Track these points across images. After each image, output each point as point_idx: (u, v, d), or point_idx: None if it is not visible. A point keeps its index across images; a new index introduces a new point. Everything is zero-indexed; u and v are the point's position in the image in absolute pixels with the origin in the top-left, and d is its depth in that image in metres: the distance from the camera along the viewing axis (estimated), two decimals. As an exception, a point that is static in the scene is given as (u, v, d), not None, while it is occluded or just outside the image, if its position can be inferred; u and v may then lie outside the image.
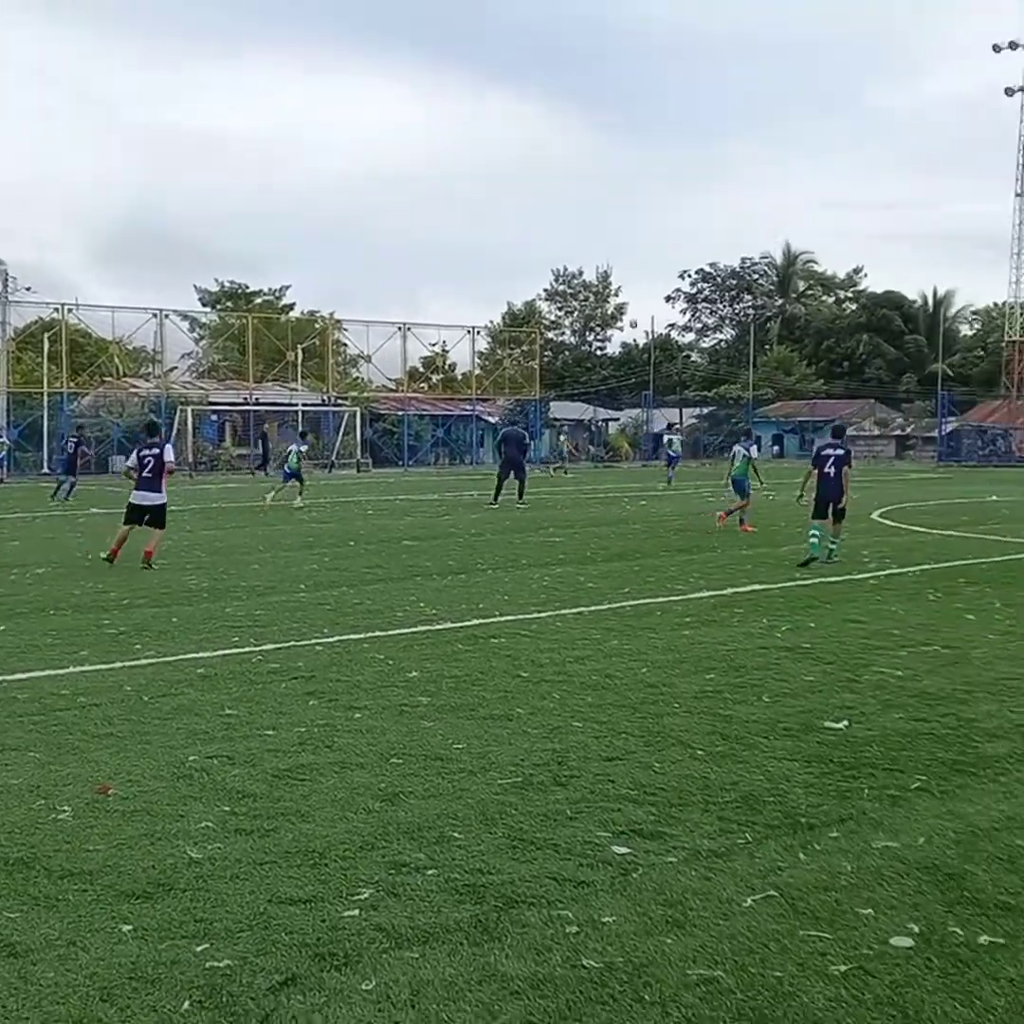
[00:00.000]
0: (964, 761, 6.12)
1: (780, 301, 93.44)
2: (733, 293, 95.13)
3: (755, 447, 21.99)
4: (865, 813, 5.29)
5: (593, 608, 11.53)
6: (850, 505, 16.25)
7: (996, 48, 66.83)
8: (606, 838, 4.97)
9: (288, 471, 28.33)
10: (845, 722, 6.91)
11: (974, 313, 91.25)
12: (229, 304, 73.28)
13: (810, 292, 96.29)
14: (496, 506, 26.75)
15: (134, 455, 15.56)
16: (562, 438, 57.19)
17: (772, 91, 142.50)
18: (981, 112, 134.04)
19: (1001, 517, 22.99)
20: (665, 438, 37.65)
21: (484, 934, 4.02)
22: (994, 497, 29.96)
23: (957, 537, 19.15)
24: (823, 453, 16.24)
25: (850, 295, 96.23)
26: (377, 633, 10.11)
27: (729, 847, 4.86)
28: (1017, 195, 66.70)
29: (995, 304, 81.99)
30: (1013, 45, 66.10)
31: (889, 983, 3.64)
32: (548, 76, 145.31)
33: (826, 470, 15.88)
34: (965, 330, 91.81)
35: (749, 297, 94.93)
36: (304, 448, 29.74)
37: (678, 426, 42.10)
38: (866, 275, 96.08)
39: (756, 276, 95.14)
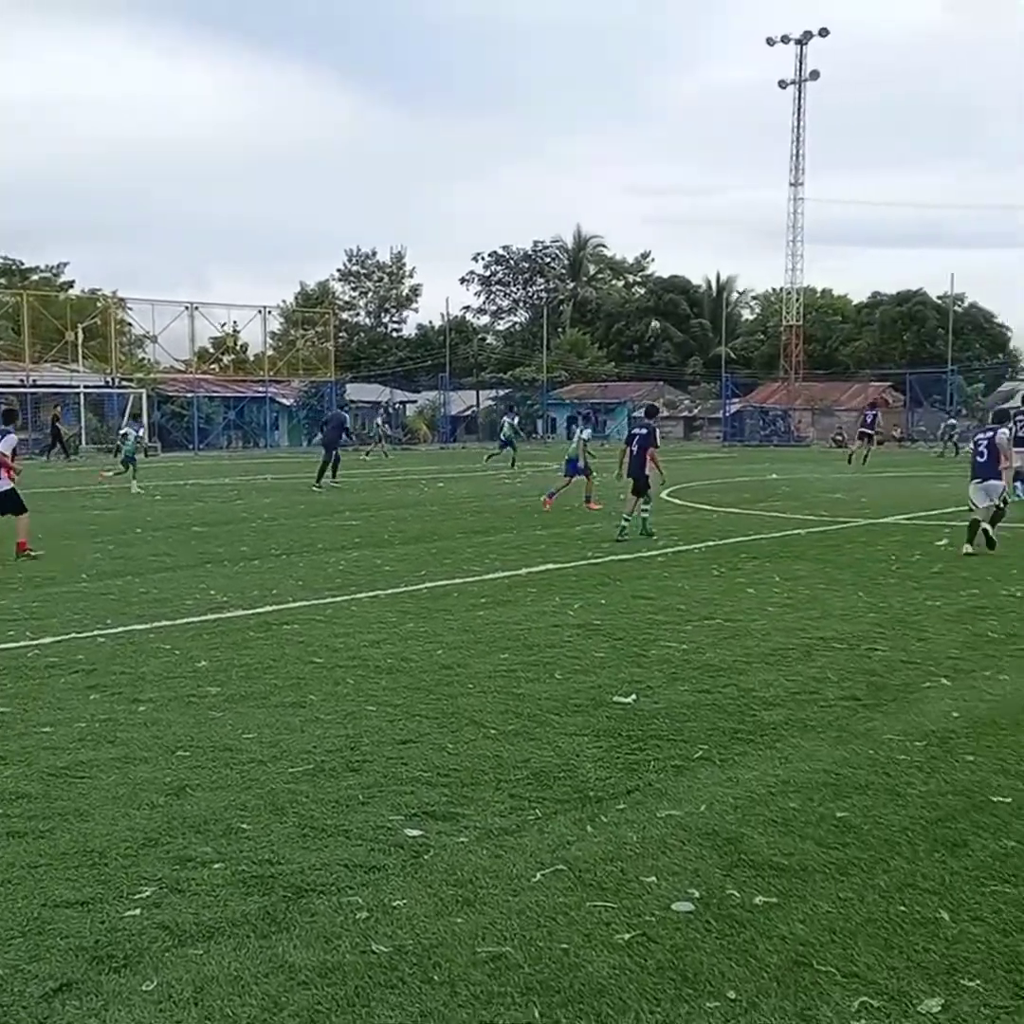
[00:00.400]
0: (743, 729, 6.37)
1: (572, 284, 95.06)
2: (526, 276, 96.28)
3: (589, 430, 23.47)
4: (651, 784, 5.44)
5: (389, 591, 11.48)
6: (659, 481, 17.39)
7: (769, 41, 69.55)
8: (398, 821, 4.96)
9: (127, 456, 27.92)
10: (633, 696, 7.09)
11: (754, 298, 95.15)
12: (2, 281, 69.53)
13: (601, 276, 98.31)
14: (320, 490, 26.43)
15: None
16: (379, 421, 56.48)
17: (562, 74, 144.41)
18: (763, 101, 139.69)
19: (781, 494, 24.05)
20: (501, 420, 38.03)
21: (272, 925, 3.95)
22: (774, 475, 31.33)
23: (739, 514, 19.93)
24: (631, 432, 17.41)
25: (639, 279, 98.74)
26: (164, 623, 9.80)
27: (520, 824, 4.92)
28: (791, 184, 69.67)
29: (773, 289, 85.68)
30: (785, 39, 68.90)
31: (670, 947, 3.75)
32: (339, 52, 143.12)
33: (631, 448, 16.75)
34: (747, 314, 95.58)
35: (542, 280, 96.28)
36: (141, 432, 29.39)
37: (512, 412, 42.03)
38: (654, 260, 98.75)
39: (548, 259, 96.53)
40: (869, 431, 39.29)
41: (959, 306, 76.85)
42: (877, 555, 13.92)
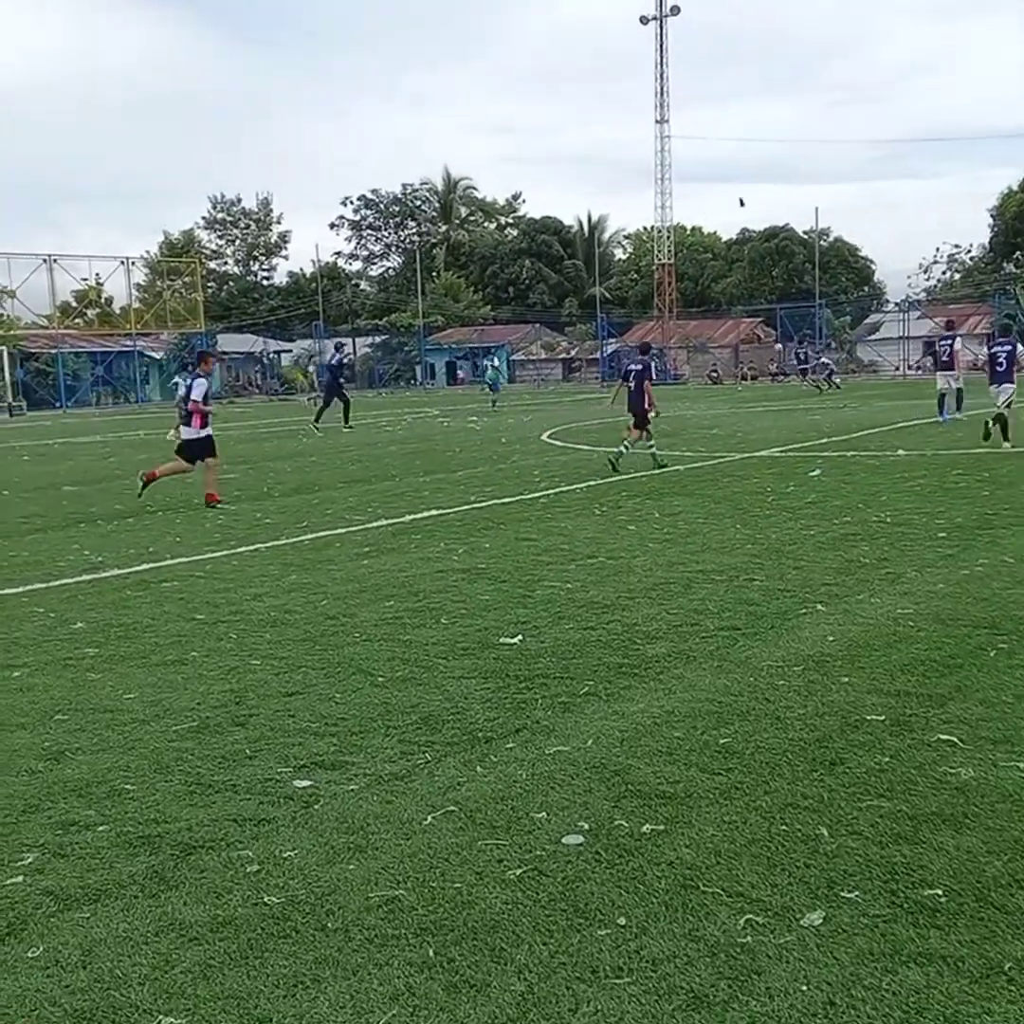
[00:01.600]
0: (628, 663, 6.46)
1: (444, 227, 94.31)
2: (397, 220, 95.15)
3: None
4: (538, 722, 5.49)
5: (270, 544, 11.33)
6: (653, 414, 18.15)
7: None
8: (287, 773, 4.92)
9: None
10: (519, 637, 7.13)
11: (627, 237, 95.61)
12: None
13: (472, 218, 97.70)
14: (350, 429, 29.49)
15: None
16: (310, 368, 54.59)
17: (421, 8, 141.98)
18: (628, 37, 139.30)
19: (659, 433, 24.33)
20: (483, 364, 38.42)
21: (161, 884, 3.89)
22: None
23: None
24: (627, 369, 17.98)
25: (511, 221, 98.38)
26: (37, 585, 9.52)
27: (410, 769, 4.92)
28: (657, 122, 69.85)
29: (645, 228, 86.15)
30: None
31: (561, 880, 3.81)
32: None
33: (629, 383, 17.54)
34: (620, 254, 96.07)
35: (413, 224, 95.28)
36: None
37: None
38: (525, 201, 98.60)
39: (419, 202, 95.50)
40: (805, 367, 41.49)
41: (824, 241, 78.35)
42: (753, 488, 14.21)
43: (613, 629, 7.29)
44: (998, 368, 19.10)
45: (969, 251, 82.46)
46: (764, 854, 3.94)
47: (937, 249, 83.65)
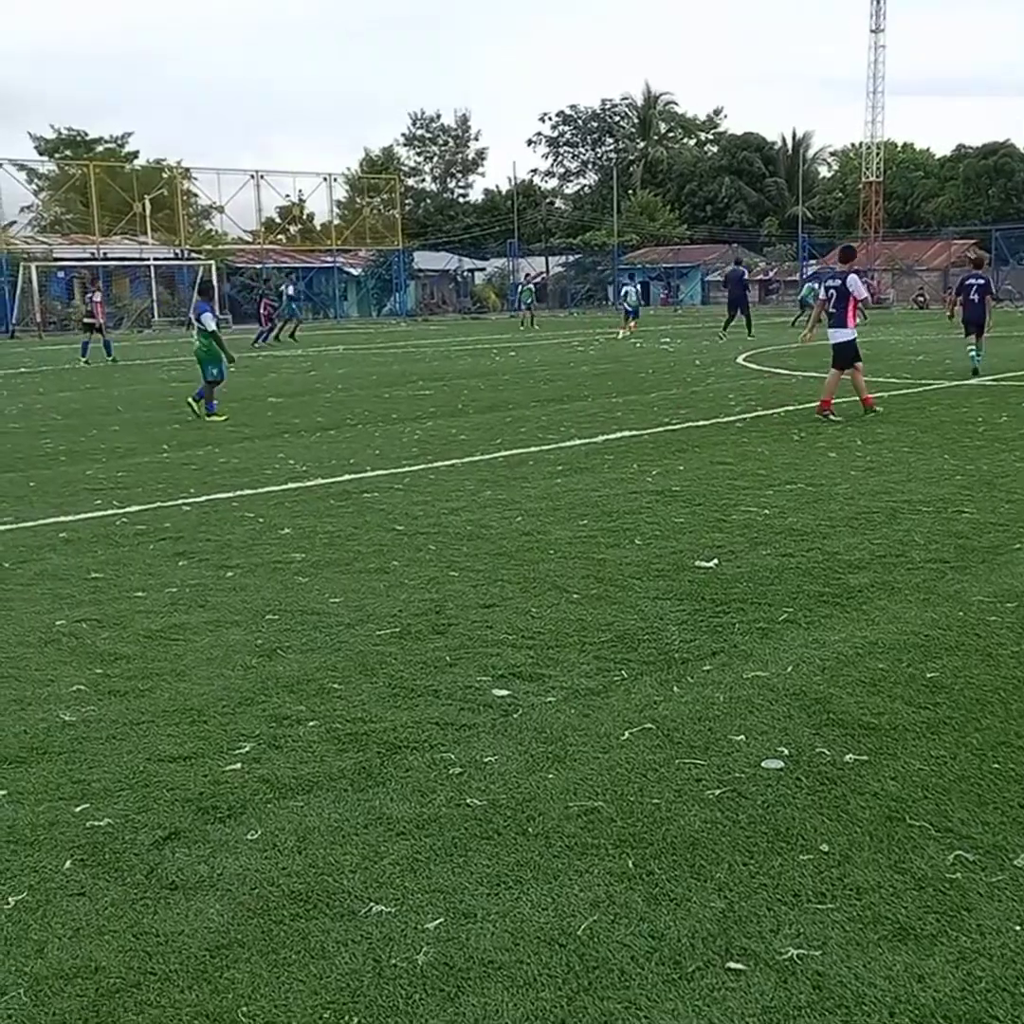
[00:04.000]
0: (829, 592, 6.32)
1: (642, 144, 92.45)
2: (595, 136, 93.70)
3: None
4: (736, 646, 5.44)
5: (466, 460, 11.49)
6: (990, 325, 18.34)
7: None
8: (486, 682, 5.02)
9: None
10: (715, 561, 7.06)
11: (832, 154, 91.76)
12: (68, 153, 69.25)
13: (671, 135, 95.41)
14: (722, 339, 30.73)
15: None
16: (528, 284, 54.35)
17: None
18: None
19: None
20: (622, 290, 38.39)
21: (368, 780, 4.05)
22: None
23: (819, 378, 19.51)
24: (966, 283, 18.42)
25: (711, 137, 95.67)
26: (246, 492, 9.93)
27: (606, 685, 4.96)
28: (871, 31, 66.42)
29: (852, 145, 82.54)
30: None
31: (761, 803, 3.78)
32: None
33: (970, 297, 18.00)
34: (824, 172, 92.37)
35: (611, 140, 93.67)
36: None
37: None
38: (726, 117, 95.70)
39: (617, 118, 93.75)
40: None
41: (1050, 157, 73.44)
42: (963, 417, 13.61)
43: (813, 557, 7.13)
44: None
45: None
46: (974, 791, 3.82)
47: None
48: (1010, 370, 19.70)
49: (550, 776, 4.04)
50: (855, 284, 13.81)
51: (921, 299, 58.85)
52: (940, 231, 69.88)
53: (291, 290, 38.22)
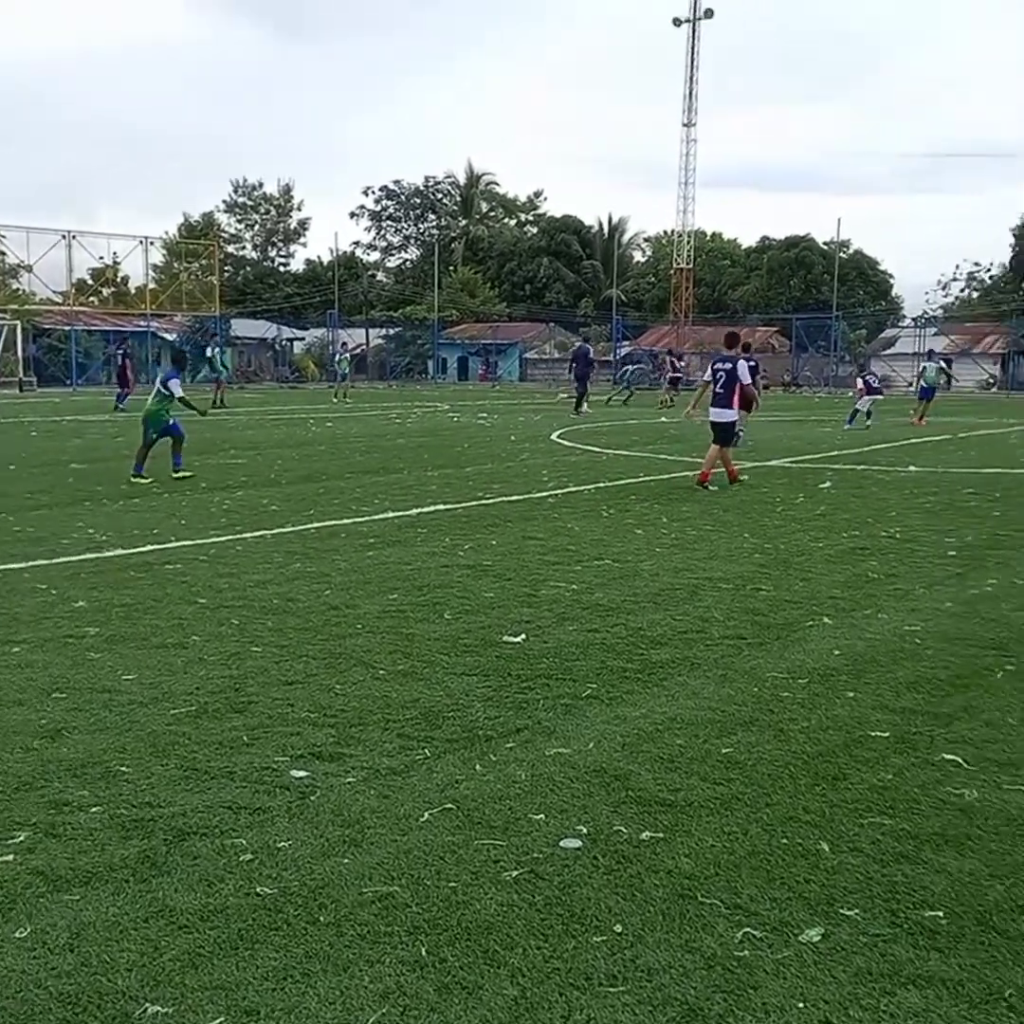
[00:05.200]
0: (631, 668, 6.41)
1: (464, 222, 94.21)
2: (418, 212, 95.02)
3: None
4: (540, 722, 5.45)
5: (276, 531, 11.30)
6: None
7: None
8: (284, 763, 4.88)
9: None
10: (523, 636, 7.08)
11: (646, 240, 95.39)
12: None
13: (493, 214, 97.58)
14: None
15: None
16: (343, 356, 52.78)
17: (445, 6, 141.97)
18: (655, 39, 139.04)
19: (670, 437, 24.31)
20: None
21: (152, 869, 3.85)
22: (664, 418, 31.64)
23: (629, 456, 20.07)
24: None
25: (531, 218, 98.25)
26: (40, 562, 9.49)
27: (408, 764, 4.88)
28: (684, 125, 69.64)
29: (665, 232, 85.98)
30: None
31: (558, 884, 3.76)
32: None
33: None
34: (638, 256, 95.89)
35: (434, 216, 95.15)
36: None
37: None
38: (546, 199, 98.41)
39: (440, 195, 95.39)
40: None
41: (845, 252, 78.22)
42: (763, 497, 14.16)
43: (617, 632, 7.23)
44: None
45: (989, 270, 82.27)
46: (764, 867, 3.89)
47: (957, 266, 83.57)
48: (808, 453, 20.66)
49: (346, 860, 3.93)
50: (743, 370, 14.99)
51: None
52: (746, 318, 73.21)
53: (215, 352, 37.67)
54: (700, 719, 5.50)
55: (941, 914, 3.56)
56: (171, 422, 15.90)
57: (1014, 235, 78.28)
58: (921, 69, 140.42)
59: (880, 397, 29.43)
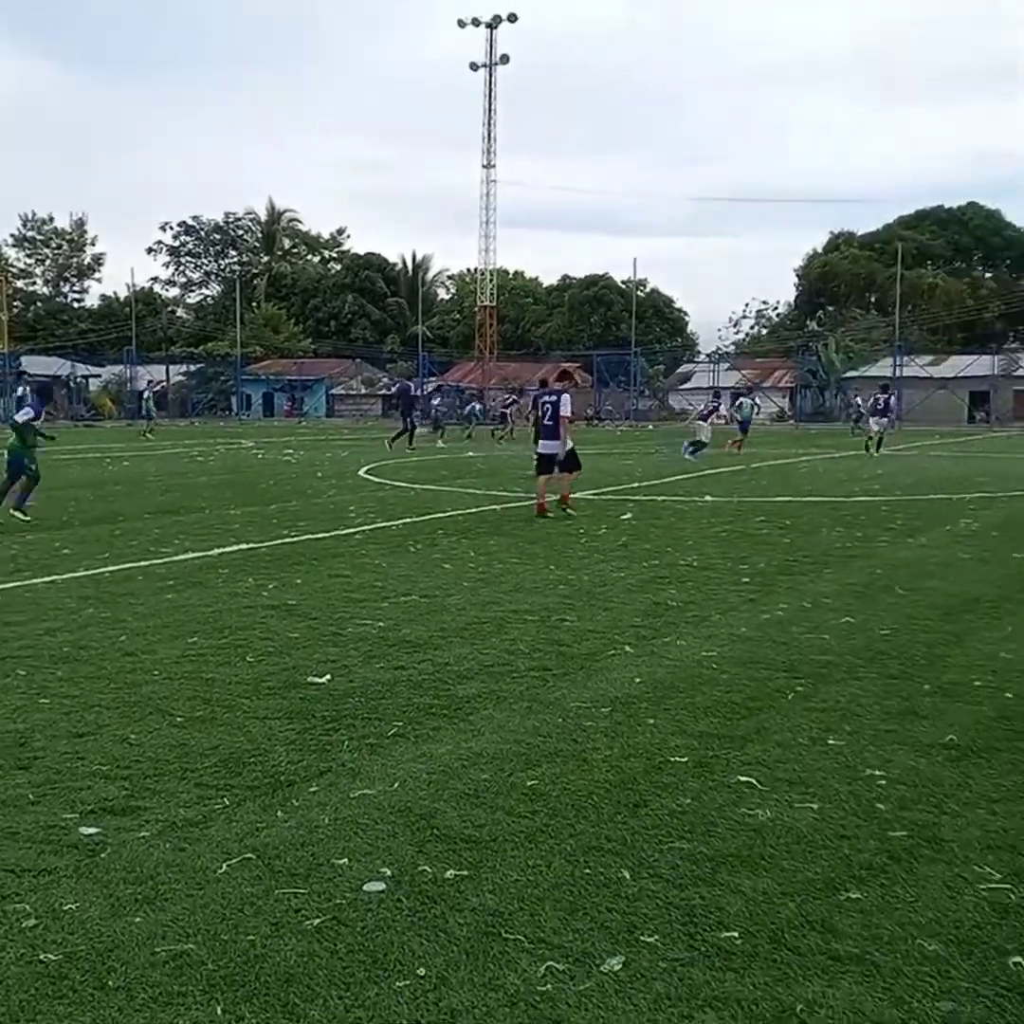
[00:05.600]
0: (438, 704, 6.39)
1: (266, 258, 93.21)
2: (218, 248, 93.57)
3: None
4: (344, 764, 5.36)
5: (68, 575, 10.82)
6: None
7: (461, 23, 70.45)
8: (73, 820, 4.64)
9: None
10: (328, 676, 6.98)
11: (450, 278, 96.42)
12: None
13: (295, 251, 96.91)
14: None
15: None
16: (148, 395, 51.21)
17: (259, 44, 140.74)
18: (459, 82, 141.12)
19: (476, 471, 24.52)
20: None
21: (-75, 943, 3.60)
22: (470, 453, 31.89)
23: (437, 491, 20.13)
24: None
25: (335, 255, 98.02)
26: None
27: (206, 814, 4.72)
28: (484, 166, 70.89)
29: (468, 270, 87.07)
30: (475, 22, 69.98)
31: (361, 930, 3.69)
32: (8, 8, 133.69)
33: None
34: (443, 294, 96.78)
35: (235, 253, 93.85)
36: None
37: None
38: (349, 236, 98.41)
39: (241, 232, 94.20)
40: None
41: (642, 291, 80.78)
42: (567, 529, 14.39)
43: (424, 669, 7.20)
44: None
45: (776, 308, 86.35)
46: (567, 899, 3.91)
47: (746, 304, 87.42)
48: (610, 485, 21.15)
49: (137, 919, 3.76)
50: (565, 403, 15.72)
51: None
52: (549, 354, 74.74)
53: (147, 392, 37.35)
54: (506, 753, 5.52)
55: (736, 934, 3.65)
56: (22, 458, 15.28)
57: (797, 275, 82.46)
58: (710, 119, 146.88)
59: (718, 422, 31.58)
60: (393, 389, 40.56)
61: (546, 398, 16.00)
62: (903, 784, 5.03)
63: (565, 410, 15.74)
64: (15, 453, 15.34)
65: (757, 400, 35.24)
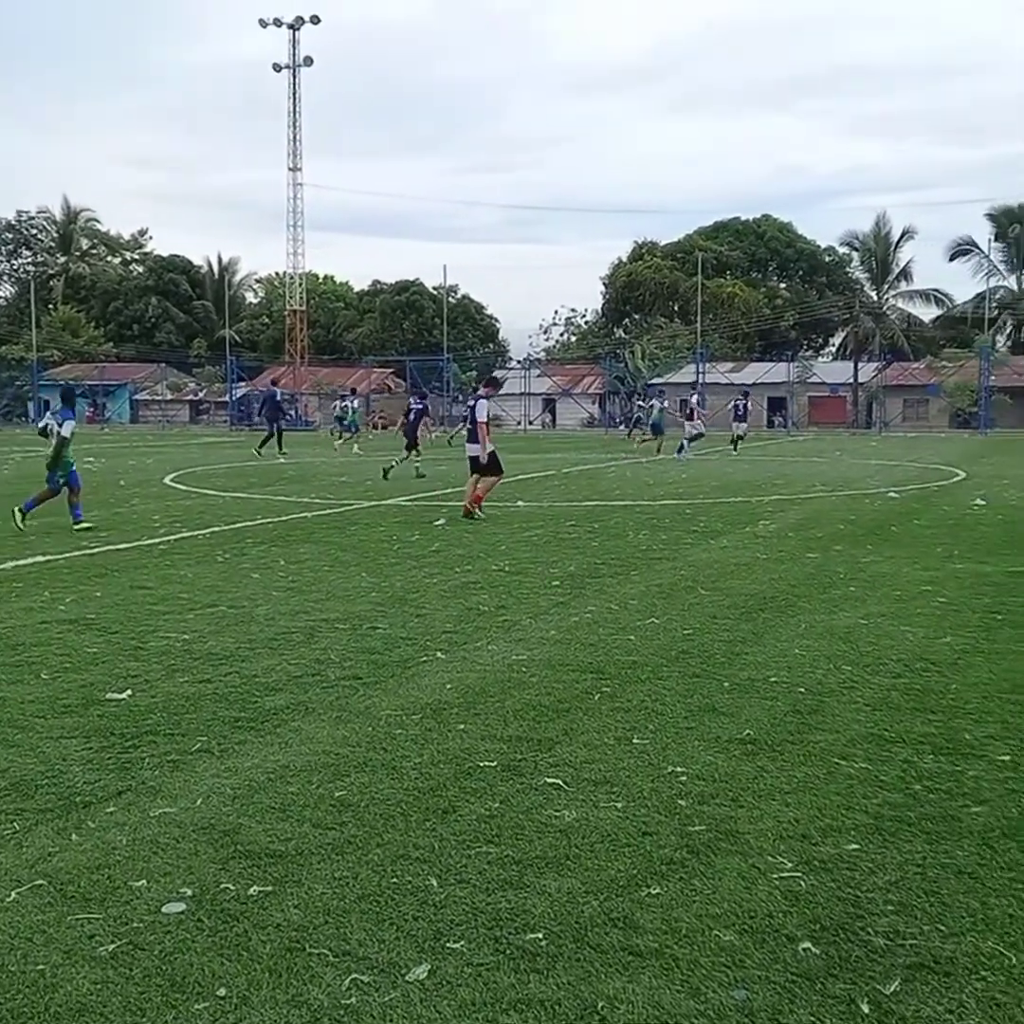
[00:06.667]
0: (245, 717, 6.26)
1: (63, 259, 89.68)
2: (10, 248, 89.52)
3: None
4: (145, 782, 5.19)
5: None
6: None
7: (262, 23, 69.37)
8: None
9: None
10: (128, 692, 6.75)
11: (258, 281, 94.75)
12: None
13: (94, 251, 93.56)
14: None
15: None
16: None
17: (58, 40, 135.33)
18: (263, 83, 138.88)
19: (287, 478, 24.13)
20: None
21: None
22: (282, 459, 31.39)
23: (246, 498, 19.73)
24: (411, 407, 20.55)
25: (137, 257, 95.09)
26: None
27: (-6, 841, 4.50)
28: (290, 169, 69.96)
29: (277, 273, 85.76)
30: (278, 22, 69.03)
31: (159, 953, 3.58)
32: None
33: (409, 418, 20.65)
34: (251, 297, 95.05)
35: (29, 253, 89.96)
36: None
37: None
38: (152, 238, 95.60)
39: (35, 231, 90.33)
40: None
41: (453, 297, 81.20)
42: (379, 536, 14.32)
43: (231, 681, 7.05)
44: None
45: (584, 315, 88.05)
46: (373, 909, 3.88)
47: (556, 312, 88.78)
48: (424, 490, 21.15)
49: (-83, 957, 3.55)
50: (480, 409, 16.59)
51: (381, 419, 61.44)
52: (361, 359, 74.27)
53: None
54: (314, 764, 5.45)
55: (541, 936, 3.69)
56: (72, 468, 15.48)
57: (604, 283, 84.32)
58: (520, 125, 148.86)
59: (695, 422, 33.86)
60: (261, 395, 40.46)
61: (471, 403, 17.30)
62: (703, 780, 5.20)
63: (480, 415, 16.49)
64: (68, 465, 15.49)
65: (666, 403, 37.38)
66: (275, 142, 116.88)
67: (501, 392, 71.03)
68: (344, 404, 39.31)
